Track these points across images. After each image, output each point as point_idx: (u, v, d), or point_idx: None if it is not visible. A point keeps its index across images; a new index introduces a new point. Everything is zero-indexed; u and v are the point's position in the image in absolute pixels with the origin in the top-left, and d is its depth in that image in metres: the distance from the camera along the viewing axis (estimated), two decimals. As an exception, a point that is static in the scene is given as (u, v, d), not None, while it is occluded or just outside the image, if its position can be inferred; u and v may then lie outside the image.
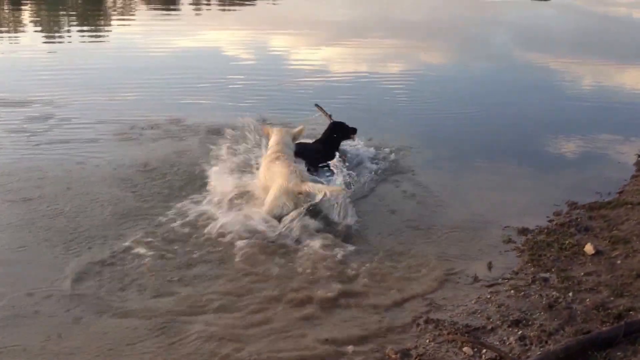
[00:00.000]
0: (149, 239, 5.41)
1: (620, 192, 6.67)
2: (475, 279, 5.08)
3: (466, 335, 4.26)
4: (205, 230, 5.58)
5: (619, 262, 5.07)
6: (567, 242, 5.46)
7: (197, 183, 6.50)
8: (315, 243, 5.46)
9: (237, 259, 5.22)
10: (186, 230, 5.60)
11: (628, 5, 26.28)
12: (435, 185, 6.92)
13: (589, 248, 5.26)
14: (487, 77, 12.78)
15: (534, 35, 17.76)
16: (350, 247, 5.45)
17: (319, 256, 5.29)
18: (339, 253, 5.35)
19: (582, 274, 4.96)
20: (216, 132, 7.99)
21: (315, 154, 6.79)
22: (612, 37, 18.02)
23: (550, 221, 6.04)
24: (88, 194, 6.29)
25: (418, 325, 4.45)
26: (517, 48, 16.13)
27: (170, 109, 9.24)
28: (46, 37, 16.16)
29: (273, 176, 5.90)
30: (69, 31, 16.99)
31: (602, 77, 13.02)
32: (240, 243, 5.41)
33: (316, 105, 7.98)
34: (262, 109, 9.21)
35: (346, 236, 5.66)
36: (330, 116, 7.64)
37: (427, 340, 4.24)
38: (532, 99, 10.92)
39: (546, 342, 4.09)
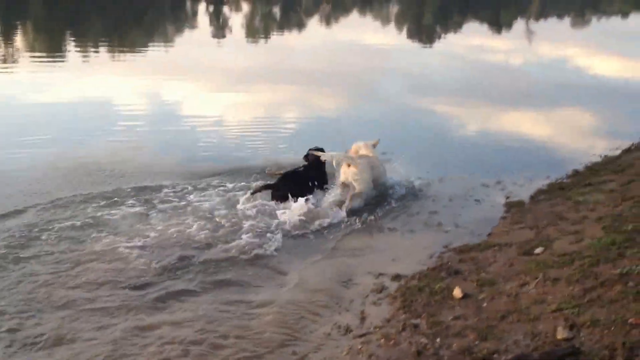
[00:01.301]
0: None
1: (490, 234, 6.88)
2: (347, 330, 5.02)
3: (334, 390, 4.16)
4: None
5: (485, 304, 5.14)
6: (437, 286, 5.51)
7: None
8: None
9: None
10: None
11: (506, 53, 27.82)
12: (317, 234, 6.91)
13: (457, 292, 5.33)
14: (369, 122, 13.03)
15: (419, 81, 18.38)
16: (218, 302, 5.29)
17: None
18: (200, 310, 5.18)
19: (450, 318, 4.99)
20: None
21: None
22: (491, 82, 18.94)
23: (422, 265, 6.11)
24: None
25: (289, 381, 4.33)
26: (404, 93, 16.59)
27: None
28: None
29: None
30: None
31: (479, 121, 13.57)
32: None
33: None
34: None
35: (207, 292, 5.52)
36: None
37: (296, 398, 4.10)
38: (413, 141, 11.21)
39: (412, 391, 4.05)
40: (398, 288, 5.64)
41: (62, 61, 20.15)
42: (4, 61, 19.72)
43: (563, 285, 5.17)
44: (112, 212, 7.12)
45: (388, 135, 11.55)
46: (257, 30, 34.18)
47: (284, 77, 17.94)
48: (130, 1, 40.42)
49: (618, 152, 9.86)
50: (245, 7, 44.04)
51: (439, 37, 33.78)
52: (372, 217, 7.45)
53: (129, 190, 7.84)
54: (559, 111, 14.80)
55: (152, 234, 6.59)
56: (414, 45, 29.48)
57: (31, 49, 22.53)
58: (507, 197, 8.11)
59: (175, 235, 6.59)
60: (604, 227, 6.16)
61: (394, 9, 48.25)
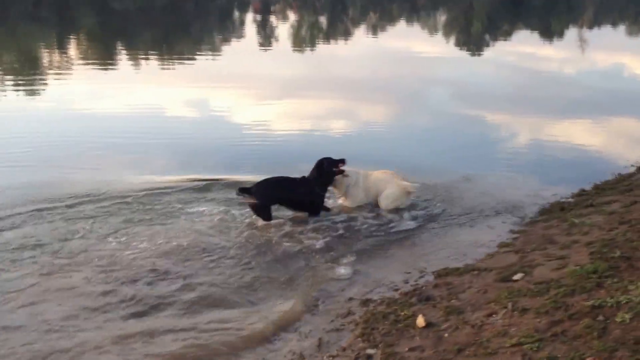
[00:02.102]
0: None
1: (481, 259, 6.57)
2: (301, 357, 4.88)
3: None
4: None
5: (446, 335, 4.91)
6: (403, 313, 5.30)
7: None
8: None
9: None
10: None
11: (559, 61, 26.96)
12: (293, 254, 6.79)
13: (420, 320, 5.10)
14: (419, 134, 12.90)
15: (470, 92, 17.92)
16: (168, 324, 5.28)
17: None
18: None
19: (407, 349, 4.77)
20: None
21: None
22: (545, 92, 18.29)
23: (395, 290, 5.91)
24: None
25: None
26: (454, 104, 16.20)
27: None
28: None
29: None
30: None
31: (513, 132, 13.17)
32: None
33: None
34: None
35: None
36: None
37: None
38: (431, 154, 10.97)
39: None
40: (364, 314, 5.45)
41: (113, 70, 20.59)
42: (59, 69, 20.34)
43: (531, 317, 4.89)
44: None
45: (392, 147, 11.49)
46: (303, 39, 34.22)
47: (329, 87, 17.84)
48: (179, 12, 41.17)
49: (633, 169, 9.36)
50: (292, 16, 44.24)
51: (488, 46, 33.07)
52: (361, 237, 7.26)
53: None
54: (598, 123, 14.25)
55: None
56: (462, 54, 28.89)
57: (84, 58, 23.10)
58: (510, 217, 7.78)
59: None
60: (591, 252, 5.81)
61: (442, 17, 47.55)
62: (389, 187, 8.06)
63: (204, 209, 7.72)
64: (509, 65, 24.76)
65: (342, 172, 7.94)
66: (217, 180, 8.74)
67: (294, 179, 7.74)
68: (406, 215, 7.84)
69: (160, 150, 10.66)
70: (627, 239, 5.93)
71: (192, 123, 13.11)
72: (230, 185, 8.44)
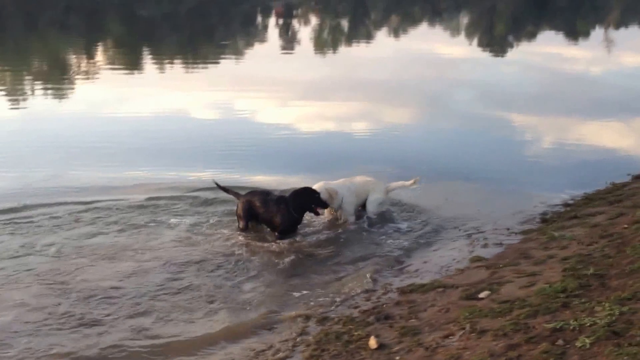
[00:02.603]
0: None
1: (451, 275, 6.25)
2: (243, 381, 4.66)
3: None
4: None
5: (397, 358, 4.59)
6: (356, 333, 5.02)
7: None
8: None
9: None
10: None
11: (585, 62, 26.35)
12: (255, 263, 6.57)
13: (372, 342, 4.81)
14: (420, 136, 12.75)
15: (495, 93, 17.56)
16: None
17: None
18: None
19: (354, 372, 4.53)
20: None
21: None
22: (571, 94, 17.88)
23: (355, 308, 5.63)
24: None
25: None
26: (478, 106, 15.85)
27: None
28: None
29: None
30: (33, 94, 16.49)
31: (517, 136, 12.87)
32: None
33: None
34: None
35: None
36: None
37: None
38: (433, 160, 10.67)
39: None
40: (318, 333, 5.17)
41: (140, 74, 20.64)
42: (86, 74, 20.42)
43: (488, 339, 4.57)
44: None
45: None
46: (325, 42, 34.03)
47: (350, 90, 17.66)
48: (203, 17, 41.25)
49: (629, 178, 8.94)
50: (314, 20, 44.04)
51: (511, 47, 32.48)
52: (331, 252, 6.98)
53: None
54: (612, 124, 13.83)
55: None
56: (485, 56, 28.37)
57: (111, 63, 23.20)
58: (489, 229, 7.44)
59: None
60: (564, 269, 5.47)
61: (464, 19, 46.97)
62: (375, 192, 7.88)
63: (180, 219, 7.56)
64: (531, 66, 24.28)
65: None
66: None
67: (271, 195, 7.46)
68: (384, 228, 7.55)
69: (163, 153, 10.66)
70: (604, 255, 5.58)
71: (200, 125, 13.13)
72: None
